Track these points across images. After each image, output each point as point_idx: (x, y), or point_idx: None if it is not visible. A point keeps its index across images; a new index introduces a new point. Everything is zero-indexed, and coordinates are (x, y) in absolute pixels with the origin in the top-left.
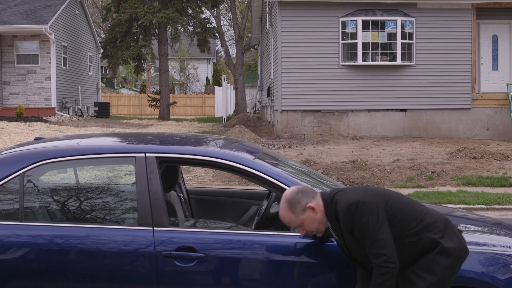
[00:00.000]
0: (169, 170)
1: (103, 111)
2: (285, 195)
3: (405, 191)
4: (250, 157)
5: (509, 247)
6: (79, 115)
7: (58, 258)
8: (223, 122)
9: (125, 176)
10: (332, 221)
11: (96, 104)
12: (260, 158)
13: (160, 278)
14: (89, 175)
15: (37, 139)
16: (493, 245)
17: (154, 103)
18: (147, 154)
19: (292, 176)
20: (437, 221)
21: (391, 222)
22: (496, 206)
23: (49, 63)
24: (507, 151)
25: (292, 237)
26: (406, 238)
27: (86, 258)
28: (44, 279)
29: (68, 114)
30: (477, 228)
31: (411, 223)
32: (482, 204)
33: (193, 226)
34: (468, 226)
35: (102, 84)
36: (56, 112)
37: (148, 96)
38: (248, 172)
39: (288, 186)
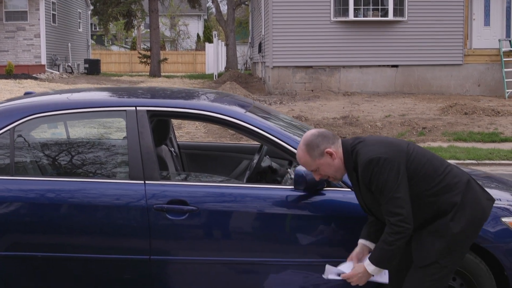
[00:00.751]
0: (160, 124)
1: (93, 68)
2: (305, 137)
3: None
4: (241, 110)
5: (499, 200)
6: (69, 72)
7: (50, 212)
8: (214, 79)
9: (116, 131)
10: (350, 171)
11: (86, 61)
12: (252, 112)
13: (152, 231)
14: (80, 130)
15: (27, 94)
16: None
17: (145, 60)
18: (137, 108)
19: (284, 130)
20: (459, 182)
21: (411, 180)
22: (487, 161)
23: (38, 19)
24: (498, 107)
25: (283, 190)
26: (424, 198)
27: (77, 212)
28: (35, 233)
29: (58, 71)
30: None
31: (432, 182)
32: (473, 159)
33: (185, 179)
34: None
35: (92, 41)
36: (46, 69)
37: (139, 53)
38: (239, 125)
39: (279, 139)
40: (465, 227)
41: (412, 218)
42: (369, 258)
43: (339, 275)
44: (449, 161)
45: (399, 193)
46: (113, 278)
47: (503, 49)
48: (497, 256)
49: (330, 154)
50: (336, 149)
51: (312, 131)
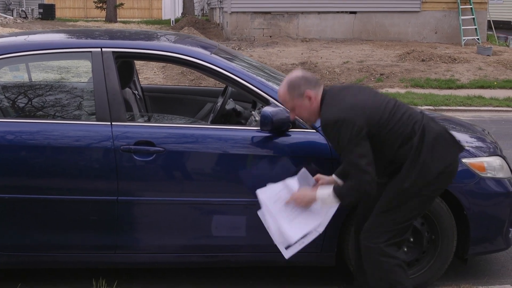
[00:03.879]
0: (124, 66)
1: (48, 13)
2: (289, 76)
3: None
4: (207, 52)
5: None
6: (24, 17)
7: (18, 153)
8: (171, 25)
9: (79, 73)
10: None
11: (41, 6)
12: (217, 54)
13: (119, 172)
14: (42, 75)
15: None
16: None
17: (101, 4)
18: (103, 49)
19: (250, 72)
20: (413, 135)
21: (374, 134)
22: (444, 107)
23: None
24: (455, 54)
25: (249, 131)
26: (386, 149)
27: (44, 153)
28: (5, 175)
29: (12, 16)
30: None
31: (395, 139)
32: (430, 105)
33: (151, 121)
34: None
35: None
36: (0, 14)
37: None
38: (206, 67)
39: (245, 81)
40: (413, 182)
41: (372, 169)
42: (333, 188)
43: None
44: None
45: (359, 147)
46: (80, 220)
47: None
48: (457, 196)
49: (309, 98)
50: (316, 94)
51: (297, 72)
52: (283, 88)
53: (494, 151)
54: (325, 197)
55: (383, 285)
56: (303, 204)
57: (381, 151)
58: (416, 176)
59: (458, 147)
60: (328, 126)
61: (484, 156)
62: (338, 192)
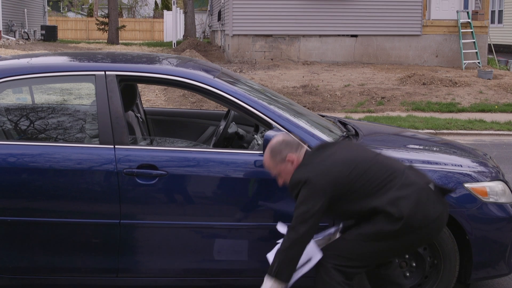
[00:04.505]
0: (127, 89)
1: (50, 34)
2: (270, 142)
3: (355, 116)
4: (210, 76)
5: (461, 166)
6: (26, 39)
7: (22, 176)
8: (173, 47)
9: (79, 97)
10: None
11: (43, 27)
12: (220, 78)
13: (122, 195)
14: (45, 97)
15: None
16: (445, 164)
17: (103, 26)
18: (107, 72)
19: (253, 96)
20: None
21: (338, 198)
22: (445, 131)
23: None
24: (456, 78)
25: (252, 155)
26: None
27: (49, 176)
28: (10, 197)
29: (15, 37)
30: (427, 147)
31: (360, 202)
32: (431, 129)
33: (154, 144)
34: (418, 145)
35: (48, 8)
36: (2, 35)
37: (97, 20)
38: (209, 91)
39: (248, 105)
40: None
41: (310, 232)
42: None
43: None
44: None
45: (300, 210)
46: (82, 243)
47: (461, 20)
48: (459, 221)
49: (291, 162)
50: (298, 156)
51: (278, 138)
52: (266, 155)
53: (496, 176)
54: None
55: None
56: None
57: (350, 205)
58: (396, 227)
59: (443, 202)
60: (292, 185)
61: (486, 180)
62: (269, 269)
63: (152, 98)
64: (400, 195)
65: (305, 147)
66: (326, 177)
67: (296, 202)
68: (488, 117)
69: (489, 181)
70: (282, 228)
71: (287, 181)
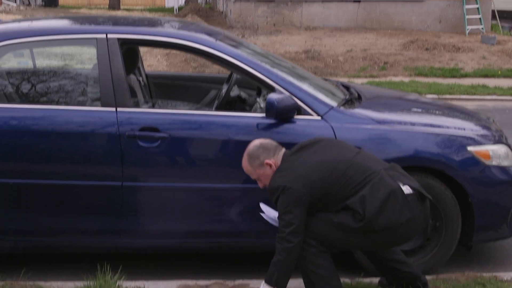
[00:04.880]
0: (129, 52)
1: (51, 0)
2: (248, 147)
3: (358, 81)
4: (212, 39)
5: (464, 129)
6: (27, 5)
7: (28, 138)
8: (175, 13)
9: (83, 59)
10: None
11: None
12: (223, 41)
13: (124, 158)
14: (46, 61)
15: None
16: (448, 127)
17: None
18: (109, 35)
19: (255, 59)
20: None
21: (316, 201)
22: (448, 96)
23: None
24: (459, 43)
25: (254, 118)
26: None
27: (50, 138)
28: (14, 160)
29: (15, 3)
30: (430, 111)
31: (337, 204)
32: (434, 94)
33: (156, 107)
34: (421, 108)
35: None
36: (3, 1)
37: None
38: (211, 54)
39: (250, 68)
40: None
41: (297, 236)
42: (265, 280)
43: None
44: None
45: (290, 214)
46: (85, 205)
47: None
48: (462, 184)
49: (270, 165)
50: (275, 160)
51: (255, 142)
52: (244, 161)
53: (500, 139)
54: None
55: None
56: None
57: (326, 207)
58: (358, 226)
59: (409, 209)
60: (271, 192)
61: (490, 144)
62: (269, 279)
63: (153, 63)
64: (368, 195)
65: (283, 149)
66: (304, 183)
67: (279, 210)
68: (491, 82)
69: (492, 144)
70: (265, 207)
71: (267, 185)
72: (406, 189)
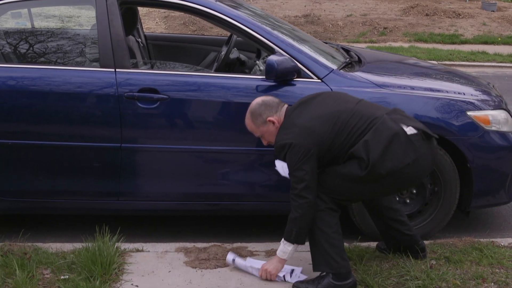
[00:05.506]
0: (128, 13)
1: None
2: (250, 105)
3: (357, 46)
4: (212, 0)
5: (463, 93)
6: None
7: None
8: None
9: (81, 21)
10: None
11: None
12: (221, 1)
13: (123, 119)
14: (44, 22)
15: None
16: (447, 91)
17: None
18: None
19: (255, 20)
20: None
21: (323, 154)
22: (447, 62)
23: None
24: (459, 9)
25: (254, 80)
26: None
27: (47, 99)
28: (14, 121)
29: None
30: (430, 75)
31: (343, 155)
32: (433, 60)
33: (155, 68)
34: (421, 72)
35: None
36: None
37: None
38: (210, 15)
39: (250, 29)
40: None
41: (312, 192)
42: (284, 238)
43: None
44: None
45: (301, 171)
46: (83, 166)
47: None
48: (460, 149)
49: (273, 123)
50: (278, 117)
51: (257, 100)
52: (247, 119)
53: (499, 105)
54: (284, 251)
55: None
56: (274, 277)
57: (333, 160)
58: (364, 173)
59: (414, 151)
60: (277, 150)
61: (489, 109)
62: (287, 236)
63: (152, 26)
64: (371, 140)
65: (285, 105)
66: (310, 137)
67: (289, 168)
68: (491, 49)
69: (491, 109)
70: (279, 163)
71: (271, 142)
72: (410, 130)
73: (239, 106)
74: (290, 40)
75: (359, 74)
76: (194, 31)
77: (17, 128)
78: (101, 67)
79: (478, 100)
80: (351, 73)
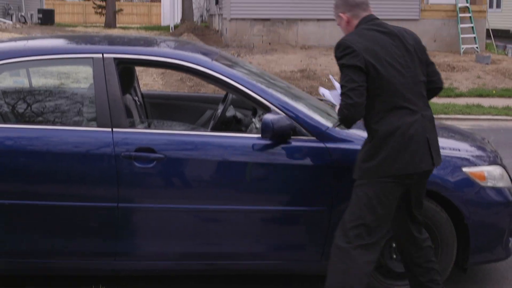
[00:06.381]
0: (125, 72)
1: (47, 18)
2: None
3: None
4: (208, 59)
5: (459, 149)
6: (23, 22)
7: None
8: (171, 31)
9: (79, 79)
10: None
11: (40, 11)
12: (218, 61)
13: (120, 178)
14: (42, 80)
15: None
16: (443, 148)
17: (100, 10)
18: (105, 55)
19: (251, 79)
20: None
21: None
22: (443, 116)
23: None
24: (454, 63)
25: (250, 139)
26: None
27: (46, 158)
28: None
29: (11, 21)
30: None
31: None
32: None
33: (152, 127)
34: None
35: None
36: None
37: (94, 3)
38: (207, 74)
39: (246, 88)
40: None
41: (360, 95)
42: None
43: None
44: None
45: (348, 75)
46: (80, 226)
47: (459, 5)
48: (457, 205)
49: (341, 18)
50: (350, 17)
51: None
52: (333, 6)
53: (495, 160)
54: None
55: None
56: None
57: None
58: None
59: (429, 158)
60: (337, 46)
61: (485, 165)
62: (337, 113)
63: (149, 82)
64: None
65: (365, 14)
66: (368, 44)
67: (339, 66)
68: (486, 102)
69: (487, 165)
70: (323, 91)
71: (343, 31)
72: None
73: (236, 165)
74: (285, 98)
75: (354, 132)
76: (191, 86)
77: (15, 188)
78: (98, 127)
79: (473, 156)
80: (346, 131)
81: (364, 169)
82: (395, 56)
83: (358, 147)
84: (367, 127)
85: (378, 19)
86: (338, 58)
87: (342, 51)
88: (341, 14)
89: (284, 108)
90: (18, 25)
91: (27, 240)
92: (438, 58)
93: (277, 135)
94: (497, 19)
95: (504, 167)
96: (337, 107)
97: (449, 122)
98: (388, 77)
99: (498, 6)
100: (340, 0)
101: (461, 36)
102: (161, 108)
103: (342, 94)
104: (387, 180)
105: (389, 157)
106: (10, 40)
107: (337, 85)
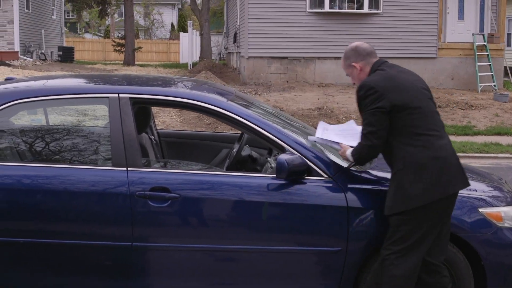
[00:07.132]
0: (141, 112)
1: (67, 55)
2: (347, 47)
3: None
4: (224, 99)
5: (476, 190)
6: (43, 60)
7: (37, 197)
8: (189, 68)
9: (93, 118)
10: None
11: (60, 48)
12: (234, 101)
13: (134, 218)
14: (60, 118)
15: (8, 80)
16: None
17: (119, 48)
18: (120, 95)
19: (266, 119)
20: (437, 152)
21: (395, 113)
22: (460, 154)
23: (12, 6)
24: (471, 101)
25: (265, 178)
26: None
27: (62, 197)
28: (10, 219)
29: (32, 58)
30: None
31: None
32: None
33: (167, 167)
34: None
35: (66, 29)
36: (20, 56)
37: (113, 41)
38: (222, 114)
39: (261, 128)
40: (420, 193)
41: (380, 137)
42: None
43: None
44: None
45: (368, 119)
46: (94, 265)
47: (477, 43)
48: (474, 246)
49: (355, 67)
50: (364, 65)
51: (353, 44)
52: (342, 58)
53: (511, 201)
54: (348, 154)
55: None
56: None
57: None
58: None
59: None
60: (360, 88)
61: (502, 205)
62: (352, 152)
63: (167, 119)
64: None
65: (375, 59)
66: (391, 82)
67: (360, 109)
68: (504, 140)
69: (504, 206)
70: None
71: (355, 82)
72: None
73: (251, 205)
74: (300, 139)
75: (369, 172)
76: (208, 124)
77: (30, 226)
78: (113, 166)
79: (490, 196)
80: (361, 171)
81: (407, 196)
82: (419, 88)
83: (373, 187)
84: (393, 157)
85: (387, 61)
86: (360, 99)
87: (365, 92)
88: (354, 64)
89: (299, 148)
90: (38, 62)
91: (42, 278)
92: (455, 96)
93: (291, 175)
94: None
95: None
96: (343, 145)
97: (467, 161)
98: (415, 106)
99: None
100: (351, 51)
101: (479, 74)
102: (177, 147)
103: (362, 136)
104: (432, 205)
105: (432, 180)
106: (30, 79)
107: (332, 126)
